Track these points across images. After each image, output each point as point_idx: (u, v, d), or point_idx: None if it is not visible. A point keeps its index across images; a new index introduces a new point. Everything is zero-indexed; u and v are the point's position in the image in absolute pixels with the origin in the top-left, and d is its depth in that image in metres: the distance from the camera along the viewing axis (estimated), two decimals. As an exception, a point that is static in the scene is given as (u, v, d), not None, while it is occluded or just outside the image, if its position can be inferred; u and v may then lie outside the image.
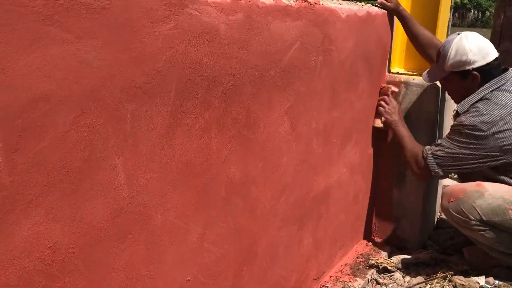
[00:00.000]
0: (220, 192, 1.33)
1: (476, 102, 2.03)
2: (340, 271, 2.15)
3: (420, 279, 2.08)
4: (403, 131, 2.22)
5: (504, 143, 1.94)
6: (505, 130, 1.93)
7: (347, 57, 1.92)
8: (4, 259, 0.81)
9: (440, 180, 2.70)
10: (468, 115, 1.99)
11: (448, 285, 1.98)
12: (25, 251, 0.85)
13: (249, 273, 1.53)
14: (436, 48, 2.22)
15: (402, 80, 2.37)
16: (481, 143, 1.95)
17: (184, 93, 1.13)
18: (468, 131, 1.96)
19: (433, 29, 2.41)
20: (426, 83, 2.28)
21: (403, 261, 2.29)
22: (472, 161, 2.00)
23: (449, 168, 2.07)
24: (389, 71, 2.44)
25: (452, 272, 2.05)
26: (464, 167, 2.03)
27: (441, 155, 2.04)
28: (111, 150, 0.98)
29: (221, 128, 1.29)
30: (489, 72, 2.02)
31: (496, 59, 2.04)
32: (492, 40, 3.14)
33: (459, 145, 2.00)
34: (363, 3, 2.11)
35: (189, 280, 1.27)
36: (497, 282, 2.08)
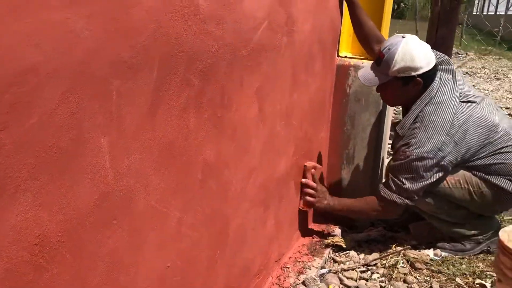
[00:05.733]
0: (197, 174, 1.29)
1: (412, 123, 2.04)
2: (298, 251, 2.18)
3: (375, 255, 2.15)
4: (343, 203, 2.22)
5: (452, 161, 2.03)
6: (450, 152, 2.00)
7: (306, 39, 1.92)
8: (-9, 250, 0.73)
9: (384, 158, 2.81)
10: (411, 148, 1.99)
11: (402, 259, 2.07)
12: (13, 240, 0.76)
13: (221, 257, 1.50)
14: (379, 41, 2.23)
15: (352, 63, 2.43)
16: (434, 167, 2.00)
17: (166, 70, 1.07)
18: (419, 163, 1.98)
19: (379, 18, 2.49)
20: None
21: (355, 239, 2.36)
22: (433, 181, 2.04)
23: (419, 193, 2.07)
24: (338, 55, 2.49)
25: (410, 247, 2.15)
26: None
27: (407, 192, 2.04)
28: (97, 130, 0.91)
29: (199, 108, 1.24)
30: (429, 78, 2.03)
31: (435, 65, 2.04)
32: (430, 27, 3.32)
33: (415, 176, 2.01)
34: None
35: (168, 267, 1.22)
36: (443, 253, 2.22)
